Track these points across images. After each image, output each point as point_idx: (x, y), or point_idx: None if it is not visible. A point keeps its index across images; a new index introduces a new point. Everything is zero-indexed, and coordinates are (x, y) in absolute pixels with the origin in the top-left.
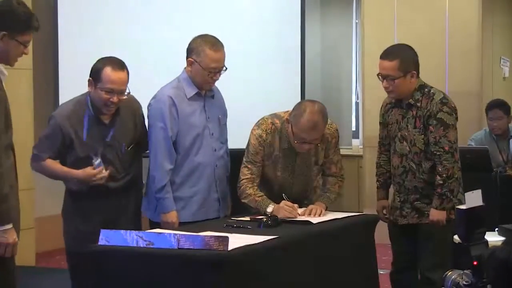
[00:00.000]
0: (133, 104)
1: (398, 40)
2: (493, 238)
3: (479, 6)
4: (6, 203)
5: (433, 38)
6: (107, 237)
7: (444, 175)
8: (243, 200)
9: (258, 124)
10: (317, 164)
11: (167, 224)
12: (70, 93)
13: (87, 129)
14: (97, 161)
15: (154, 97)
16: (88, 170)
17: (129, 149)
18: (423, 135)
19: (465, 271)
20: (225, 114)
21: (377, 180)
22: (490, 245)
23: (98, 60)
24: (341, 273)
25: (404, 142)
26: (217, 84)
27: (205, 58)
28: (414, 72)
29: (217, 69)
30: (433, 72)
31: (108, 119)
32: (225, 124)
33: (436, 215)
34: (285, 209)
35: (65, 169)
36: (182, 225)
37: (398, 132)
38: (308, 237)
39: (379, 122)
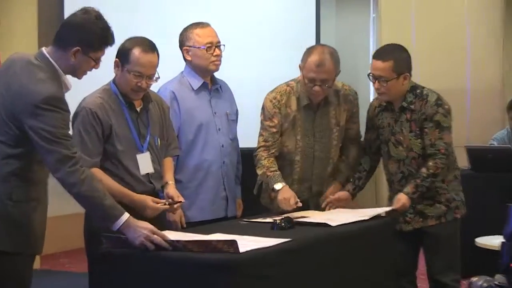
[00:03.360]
0: (163, 103)
1: (416, 36)
2: None
3: (501, 0)
4: (106, 199)
5: (453, 34)
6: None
7: (431, 171)
8: (258, 171)
9: (271, 91)
10: (338, 126)
11: (170, 223)
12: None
13: (131, 120)
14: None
15: (157, 91)
16: (155, 205)
17: (160, 143)
18: (419, 139)
19: (497, 275)
20: (234, 111)
21: (352, 178)
22: None
23: (126, 41)
24: (358, 278)
25: (400, 146)
26: (227, 81)
27: (197, 38)
28: (407, 74)
29: (213, 44)
30: (454, 69)
31: (139, 106)
32: (234, 121)
33: (404, 199)
34: (280, 201)
35: (128, 192)
36: (190, 226)
37: (392, 136)
38: (324, 240)
39: (366, 126)
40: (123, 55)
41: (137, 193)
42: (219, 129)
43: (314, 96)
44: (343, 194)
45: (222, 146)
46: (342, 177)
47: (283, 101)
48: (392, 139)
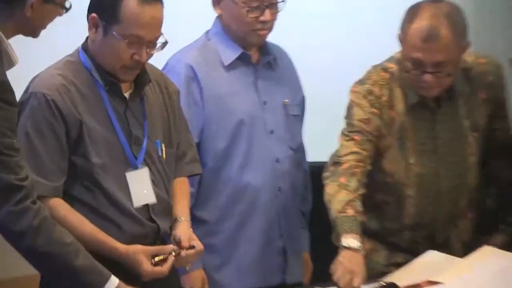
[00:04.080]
0: (169, 85)
1: None
2: None
3: None
4: (78, 258)
5: None
6: None
7: None
8: (329, 189)
9: (361, 80)
10: (477, 130)
11: None
12: None
13: (115, 113)
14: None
15: (164, 67)
16: (151, 269)
17: (165, 152)
18: None
19: None
20: (298, 99)
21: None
22: None
23: None
24: None
25: None
26: (293, 52)
27: None
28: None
29: (263, 1)
30: None
31: (129, 90)
32: (298, 117)
33: None
34: (338, 266)
35: (109, 240)
36: None
37: None
38: None
39: None
40: (106, 9)
41: (128, 239)
42: (272, 131)
43: (425, 90)
44: None
45: (277, 160)
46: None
47: (384, 97)
48: None
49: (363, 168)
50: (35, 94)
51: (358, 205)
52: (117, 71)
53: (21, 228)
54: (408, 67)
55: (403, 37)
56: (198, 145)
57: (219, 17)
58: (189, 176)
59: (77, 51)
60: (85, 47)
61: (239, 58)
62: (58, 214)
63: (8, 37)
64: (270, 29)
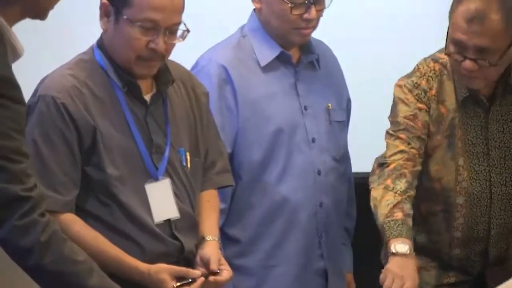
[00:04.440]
0: (196, 86)
1: None
2: None
3: None
4: (92, 277)
5: None
6: None
7: None
8: (375, 193)
9: (408, 74)
10: None
11: None
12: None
13: (133, 118)
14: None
15: (194, 67)
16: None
17: (190, 161)
18: None
19: None
20: (343, 103)
21: None
22: None
23: None
24: None
25: None
26: (335, 49)
27: None
28: None
29: None
30: None
31: (150, 92)
32: (343, 123)
33: None
34: (387, 273)
35: (128, 258)
36: None
37: None
38: None
39: None
40: None
41: (148, 258)
42: (313, 140)
43: (466, 80)
44: None
45: (319, 172)
46: None
47: (432, 90)
48: None
49: (412, 168)
50: (43, 97)
51: (408, 207)
52: (132, 64)
53: (27, 244)
54: (450, 50)
55: (450, 18)
56: (231, 155)
57: (256, 11)
58: (219, 189)
59: (92, 48)
60: (100, 44)
61: (277, 58)
62: (71, 231)
63: (12, 24)
64: (314, 27)
